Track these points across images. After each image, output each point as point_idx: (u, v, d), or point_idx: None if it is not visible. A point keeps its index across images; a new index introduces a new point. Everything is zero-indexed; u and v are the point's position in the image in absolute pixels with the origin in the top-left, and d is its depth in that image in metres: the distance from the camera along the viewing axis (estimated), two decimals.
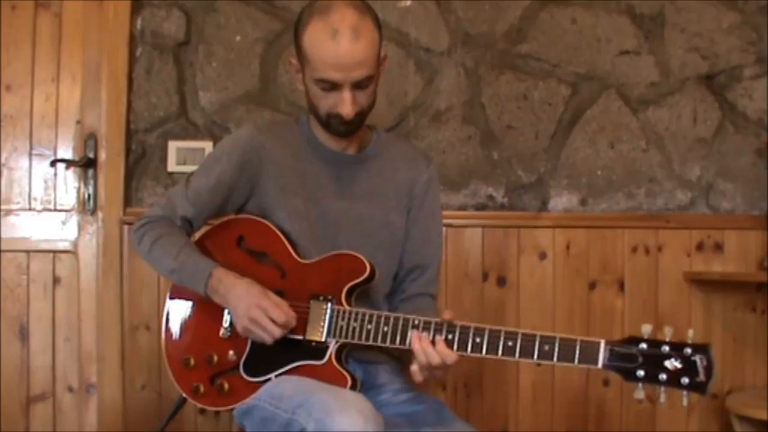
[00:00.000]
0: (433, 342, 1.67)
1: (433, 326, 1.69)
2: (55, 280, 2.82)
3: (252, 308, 1.74)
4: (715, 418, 2.80)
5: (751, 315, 2.84)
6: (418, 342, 1.67)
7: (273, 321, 1.73)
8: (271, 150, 1.91)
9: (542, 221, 2.82)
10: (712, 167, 2.87)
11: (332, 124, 1.85)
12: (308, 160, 1.93)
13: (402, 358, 1.95)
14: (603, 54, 2.86)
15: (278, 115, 2.81)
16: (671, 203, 2.87)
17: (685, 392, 1.55)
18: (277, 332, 1.74)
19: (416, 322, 1.70)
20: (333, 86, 1.78)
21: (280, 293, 1.80)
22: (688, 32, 2.87)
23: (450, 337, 1.67)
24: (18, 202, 2.84)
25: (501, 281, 2.82)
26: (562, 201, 2.86)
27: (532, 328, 2.74)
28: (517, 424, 2.81)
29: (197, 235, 1.99)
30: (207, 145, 2.79)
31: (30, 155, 2.84)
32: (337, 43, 1.74)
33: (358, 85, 1.78)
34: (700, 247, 2.83)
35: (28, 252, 2.82)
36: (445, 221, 2.58)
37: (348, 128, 1.85)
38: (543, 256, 2.82)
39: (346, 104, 1.79)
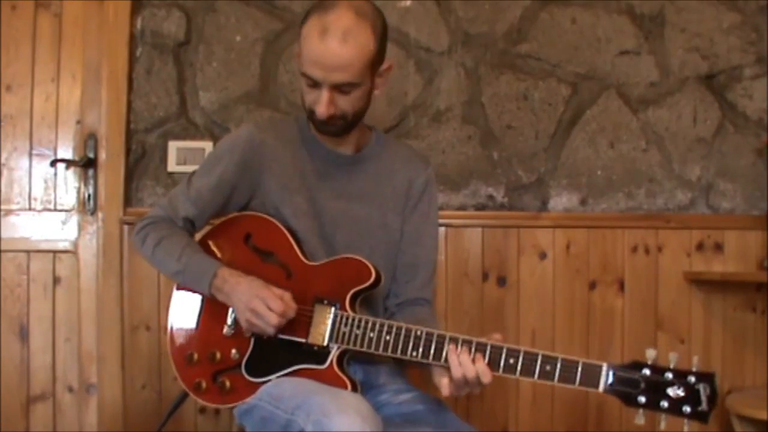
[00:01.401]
0: (472, 358, 1.64)
1: (435, 338, 1.68)
2: (55, 280, 2.82)
3: (252, 299, 1.74)
4: (715, 418, 2.80)
5: (751, 315, 2.85)
6: (455, 354, 1.65)
7: (272, 311, 1.73)
8: (272, 148, 1.90)
9: (542, 221, 2.82)
10: (712, 167, 2.87)
11: (313, 120, 1.86)
12: (306, 159, 1.93)
13: (402, 360, 1.95)
14: (603, 54, 2.86)
15: (278, 115, 2.81)
16: (671, 203, 2.87)
17: (686, 420, 1.54)
18: (275, 320, 1.73)
19: (419, 332, 1.70)
20: (315, 83, 1.78)
21: None
22: (688, 32, 2.87)
23: (477, 354, 1.66)
24: (18, 202, 2.84)
25: (501, 281, 2.82)
26: (562, 201, 2.86)
27: (531, 328, 2.79)
28: (517, 424, 2.81)
29: (202, 232, 1.99)
30: (207, 145, 2.79)
31: (30, 155, 2.84)
32: (323, 42, 1.73)
33: (338, 88, 1.78)
34: (700, 247, 2.83)
35: (28, 252, 2.82)
36: (445, 221, 2.60)
37: (327, 128, 1.85)
38: (543, 256, 2.82)
39: (321, 104, 1.78)
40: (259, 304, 1.73)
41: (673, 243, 2.83)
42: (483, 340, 1.65)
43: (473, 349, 1.65)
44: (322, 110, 1.79)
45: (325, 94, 1.78)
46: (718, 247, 2.83)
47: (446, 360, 1.66)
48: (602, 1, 2.85)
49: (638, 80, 2.86)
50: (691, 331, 2.82)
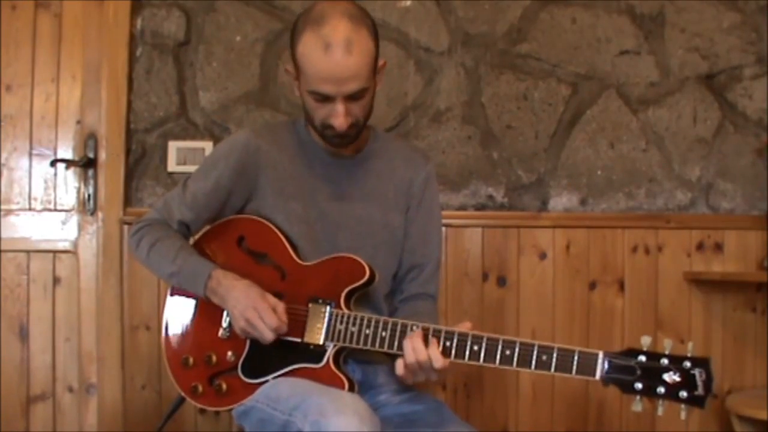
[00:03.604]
0: (426, 343, 1.66)
1: (431, 332, 1.68)
2: (55, 280, 2.83)
3: (248, 310, 1.74)
4: (715, 418, 2.80)
5: (751, 315, 2.84)
6: (410, 340, 1.67)
7: (266, 325, 1.73)
8: (269, 153, 1.90)
9: (542, 221, 2.82)
10: (712, 167, 2.87)
11: (327, 135, 1.83)
12: (305, 163, 1.93)
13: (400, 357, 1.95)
14: (603, 54, 2.86)
15: (278, 116, 2.81)
16: (671, 203, 2.86)
17: (683, 405, 1.54)
18: (269, 336, 1.74)
19: (415, 328, 1.70)
20: (326, 98, 1.77)
21: (279, 295, 1.80)
22: (688, 32, 2.87)
23: (448, 344, 1.67)
24: (18, 202, 2.84)
25: (501, 281, 2.82)
26: (562, 201, 2.86)
27: (531, 328, 2.79)
28: (517, 424, 2.81)
29: (196, 236, 1.99)
30: (207, 145, 2.80)
31: (30, 155, 2.85)
32: (329, 57, 1.71)
33: (351, 97, 1.77)
34: (700, 247, 2.83)
35: (28, 252, 2.83)
36: (445, 221, 2.59)
37: (342, 140, 1.83)
38: (543, 256, 2.82)
39: (338, 117, 1.77)
40: (254, 315, 1.73)
41: (673, 243, 2.83)
42: (479, 333, 1.66)
43: (469, 343, 1.65)
44: (340, 122, 1.77)
45: (340, 107, 1.76)
46: (718, 247, 2.83)
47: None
48: (602, 1, 2.85)
49: (638, 80, 2.86)
50: (691, 331, 2.81)
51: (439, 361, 1.65)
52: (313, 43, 1.73)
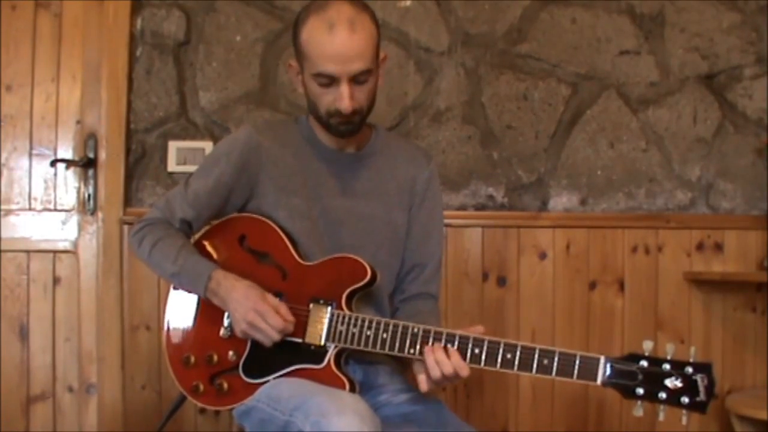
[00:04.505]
0: (447, 354, 1.66)
1: (432, 335, 1.68)
2: (55, 280, 2.83)
3: (249, 312, 1.74)
4: (715, 418, 2.81)
5: (751, 315, 2.84)
6: (431, 354, 1.66)
7: (271, 327, 1.73)
8: (270, 150, 1.90)
9: (542, 221, 2.82)
10: (712, 167, 2.87)
11: (332, 123, 1.84)
12: (308, 159, 1.93)
13: (402, 360, 1.95)
14: (603, 54, 2.86)
15: (278, 115, 2.81)
16: (671, 203, 2.87)
17: (684, 411, 1.54)
18: (275, 336, 1.74)
19: (416, 330, 1.70)
20: (331, 81, 1.78)
21: (280, 295, 1.80)
22: (688, 32, 2.87)
23: (448, 347, 1.67)
24: (18, 202, 2.84)
25: (501, 281, 2.82)
26: (562, 201, 2.86)
27: (531, 328, 2.79)
28: (517, 424, 2.81)
29: (197, 234, 1.99)
30: (207, 145, 2.80)
31: (30, 155, 2.84)
32: (334, 35, 1.74)
33: (356, 80, 1.78)
34: (700, 247, 2.83)
35: (28, 252, 2.83)
36: (445, 221, 2.59)
37: (348, 127, 1.84)
38: (543, 256, 2.82)
39: (344, 99, 1.77)
40: (256, 318, 1.73)
41: (673, 243, 2.83)
42: (480, 336, 1.66)
43: (470, 346, 1.65)
44: (346, 104, 1.78)
45: (345, 88, 1.77)
46: (718, 247, 2.83)
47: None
48: (602, 1, 2.86)
49: (638, 80, 2.86)
50: (691, 331, 2.81)
51: (464, 369, 1.65)
52: (318, 25, 1.76)
